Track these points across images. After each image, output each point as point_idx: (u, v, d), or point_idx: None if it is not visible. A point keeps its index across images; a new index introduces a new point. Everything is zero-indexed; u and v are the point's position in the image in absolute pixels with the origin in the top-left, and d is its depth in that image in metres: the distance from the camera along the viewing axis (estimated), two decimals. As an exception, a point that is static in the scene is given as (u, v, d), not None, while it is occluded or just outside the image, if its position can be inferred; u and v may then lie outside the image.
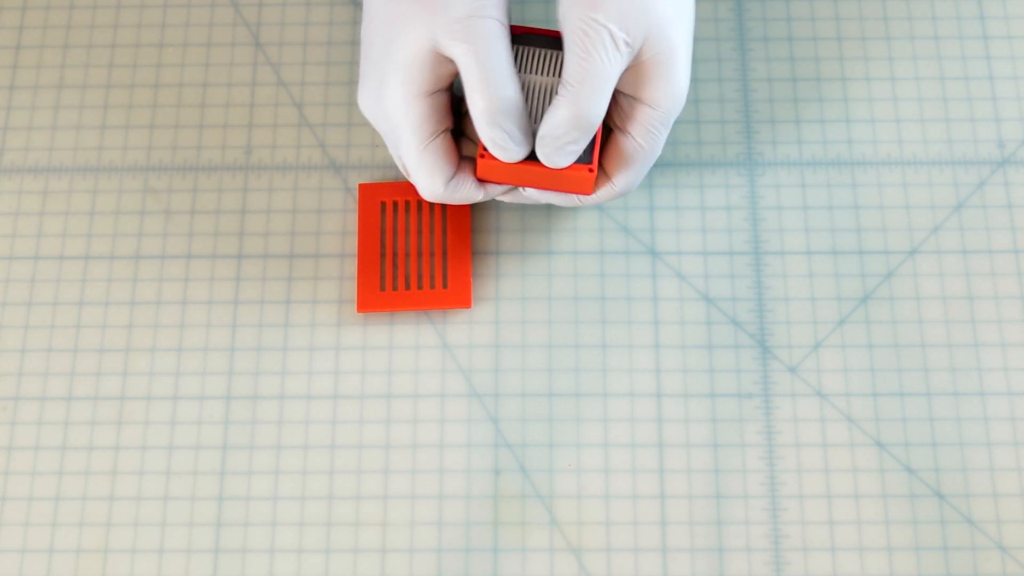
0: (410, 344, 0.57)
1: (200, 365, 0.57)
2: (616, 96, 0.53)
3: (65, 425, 0.56)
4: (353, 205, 0.60)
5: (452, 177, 0.53)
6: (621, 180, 0.53)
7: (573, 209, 0.59)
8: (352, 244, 0.59)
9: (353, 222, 0.59)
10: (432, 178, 0.53)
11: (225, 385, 0.57)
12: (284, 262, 0.59)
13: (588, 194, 0.54)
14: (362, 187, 0.59)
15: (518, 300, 0.58)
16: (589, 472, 0.55)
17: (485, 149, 0.52)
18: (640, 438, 0.56)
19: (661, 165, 0.60)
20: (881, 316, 0.57)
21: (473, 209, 0.59)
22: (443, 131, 0.52)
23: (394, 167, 0.60)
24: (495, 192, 0.54)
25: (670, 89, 0.51)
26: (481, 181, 0.54)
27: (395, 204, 0.59)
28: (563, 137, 0.50)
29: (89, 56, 0.62)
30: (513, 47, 0.53)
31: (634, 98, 0.52)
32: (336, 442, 0.56)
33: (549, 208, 0.60)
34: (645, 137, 0.52)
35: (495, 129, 0.50)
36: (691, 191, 0.60)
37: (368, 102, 0.53)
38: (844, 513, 0.54)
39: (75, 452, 0.56)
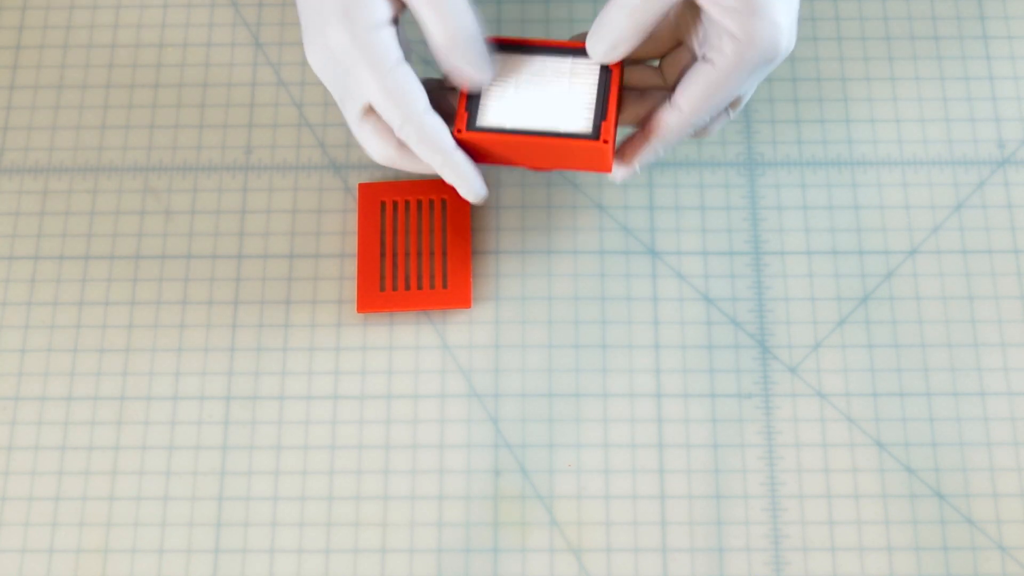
0: (410, 344, 0.57)
1: (200, 365, 0.57)
2: (704, 21, 0.50)
3: (65, 425, 0.56)
4: (353, 205, 0.59)
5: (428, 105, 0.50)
6: (692, 108, 0.50)
7: (573, 209, 0.59)
8: (352, 244, 0.59)
9: (353, 222, 0.59)
10: (408, 104, 0.49)
11: (225, 385, 0.57)
12: (284, 262, 0.59)
13: (608, 171, 0.51)
14: (362, 187, 0.59)
15: (518, 300, 0.58)
16: (589, 472, 0.55)
17: (463, 124, 0.50)
18: (640, 438, 0.56)
19: (661, 165, 0.60)
20: (881, 316, 0.57)
21: (473, 209, 0.59)
22: (403, 62, 0.49)
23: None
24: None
25: (757, 21, 0.47)
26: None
27: (395, 204, 0.59)
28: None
29: (89, 56, 0.62)
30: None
31: (723, 27, 0.48)
32: (336, 442, 0.56)
33: (549, 208, 0.60)
34: (727, 72, 0.49)
35: (456, 61, 0.48)
36: (691, 191, 0.60)
37: (315, 52, 0.50)
38: (844, 513, 0.54)
39: (75, 452, 0.56)
